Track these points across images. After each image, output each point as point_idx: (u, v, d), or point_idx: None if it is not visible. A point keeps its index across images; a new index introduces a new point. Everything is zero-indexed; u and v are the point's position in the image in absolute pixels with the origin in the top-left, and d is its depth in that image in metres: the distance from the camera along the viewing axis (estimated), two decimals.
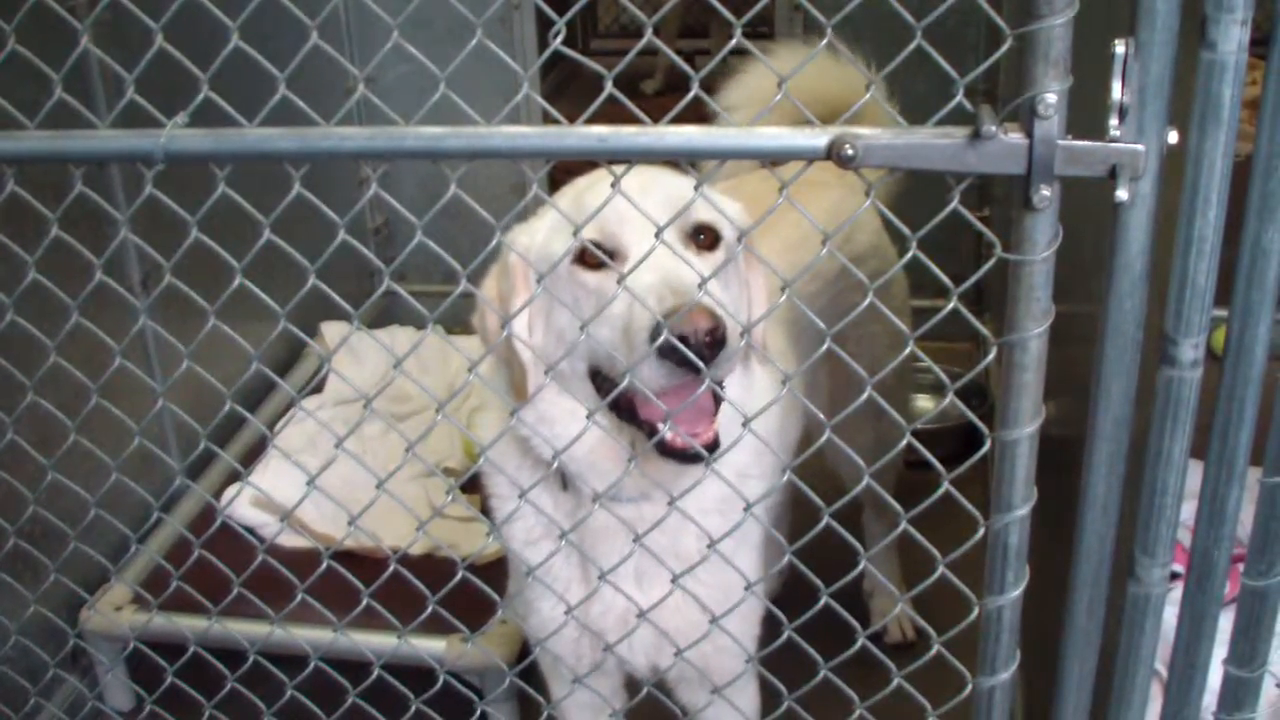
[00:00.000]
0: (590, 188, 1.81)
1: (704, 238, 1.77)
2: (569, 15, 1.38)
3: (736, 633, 1.86)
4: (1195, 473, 1.36)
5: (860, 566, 1.62)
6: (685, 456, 1.67)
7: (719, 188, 2.66)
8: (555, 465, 1.80)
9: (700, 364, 1.52)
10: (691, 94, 1.31)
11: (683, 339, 1.53)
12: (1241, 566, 1.42)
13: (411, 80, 4.00)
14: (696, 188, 1.43)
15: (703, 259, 1.73)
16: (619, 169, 1.43)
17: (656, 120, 1.29)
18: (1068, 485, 1.47)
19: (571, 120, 1.33)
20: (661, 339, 1.53)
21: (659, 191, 1.70)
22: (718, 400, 1.70)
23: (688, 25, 7.15)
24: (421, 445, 1.83)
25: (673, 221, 1.55)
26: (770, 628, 1.99)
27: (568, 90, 6.30)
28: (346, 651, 2.15)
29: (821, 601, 1.63)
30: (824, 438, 1.53)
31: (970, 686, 1.54)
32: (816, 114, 1.31)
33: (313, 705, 2.09)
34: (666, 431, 1.65)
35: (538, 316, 1.82)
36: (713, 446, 1.67)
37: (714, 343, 1.55)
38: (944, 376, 1.47)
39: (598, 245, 1.65)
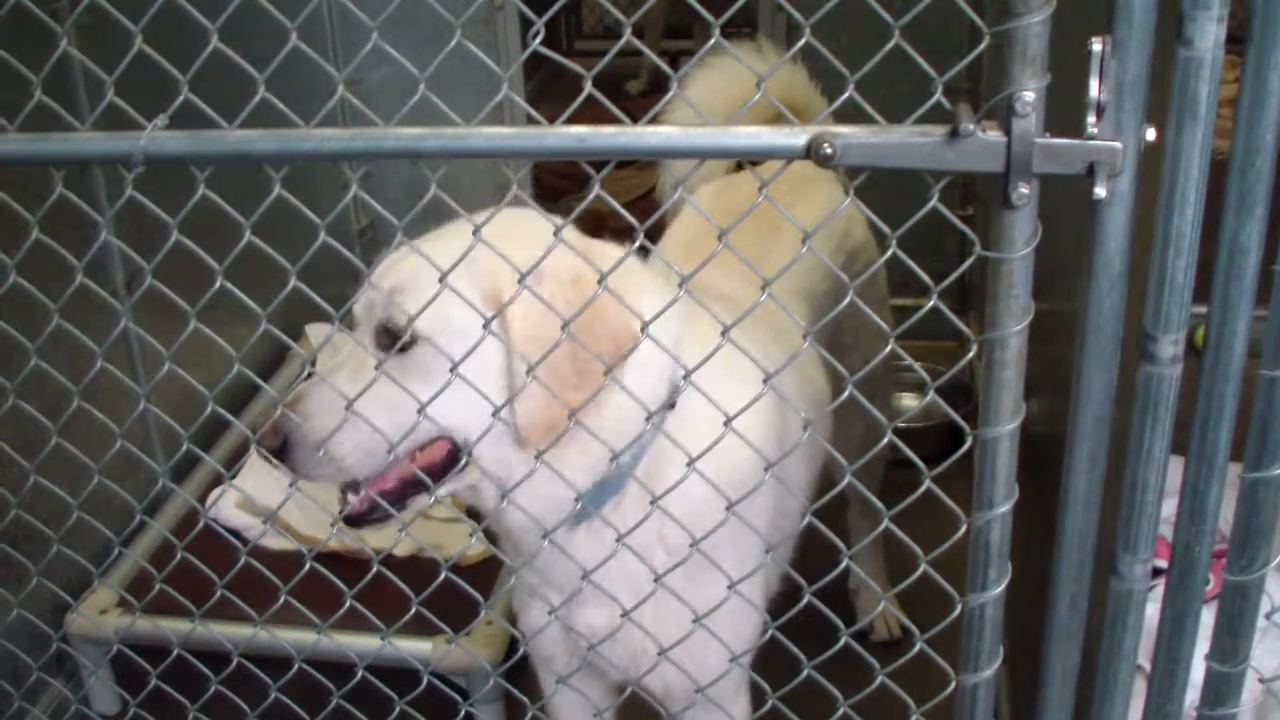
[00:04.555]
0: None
1: (389, 335, 1.76)
2: (547, 16, 1.39)
3: (718, 659, 1.84)
4: (1176, 469, 1.37)
5: (843, 564, 1.62)
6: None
7: (710, 187, 2.68)
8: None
9: (276, 461, 1.76)
10: (671, 93, 1.31)
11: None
12: (1223, 562, 1.43)
13: (396, 82, 4.00)
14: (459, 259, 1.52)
15: (391, 362, 1.71)
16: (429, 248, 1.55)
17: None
18: (1049, 482, 1.47)
19: (554, 120, 1.33)
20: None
21: (376, 281, 1.81)
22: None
23: (672, 26, 7.16)
24: None
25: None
26: None
27: (554, 90, 6.30)
28: (330, 653, 2.14)
29: (805, 599, 1.63)
30: (805, 435, 1.54)
31: (954, 684, 1.55)
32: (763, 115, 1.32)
33: (296, 707, 2.09)
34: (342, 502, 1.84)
35: None
36: (360, 519, 1.83)
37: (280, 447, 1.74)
38: (925, 375, 1.47)
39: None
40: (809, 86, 2.80)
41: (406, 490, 1.80)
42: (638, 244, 1.53)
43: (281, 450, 1.74)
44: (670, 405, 1.77)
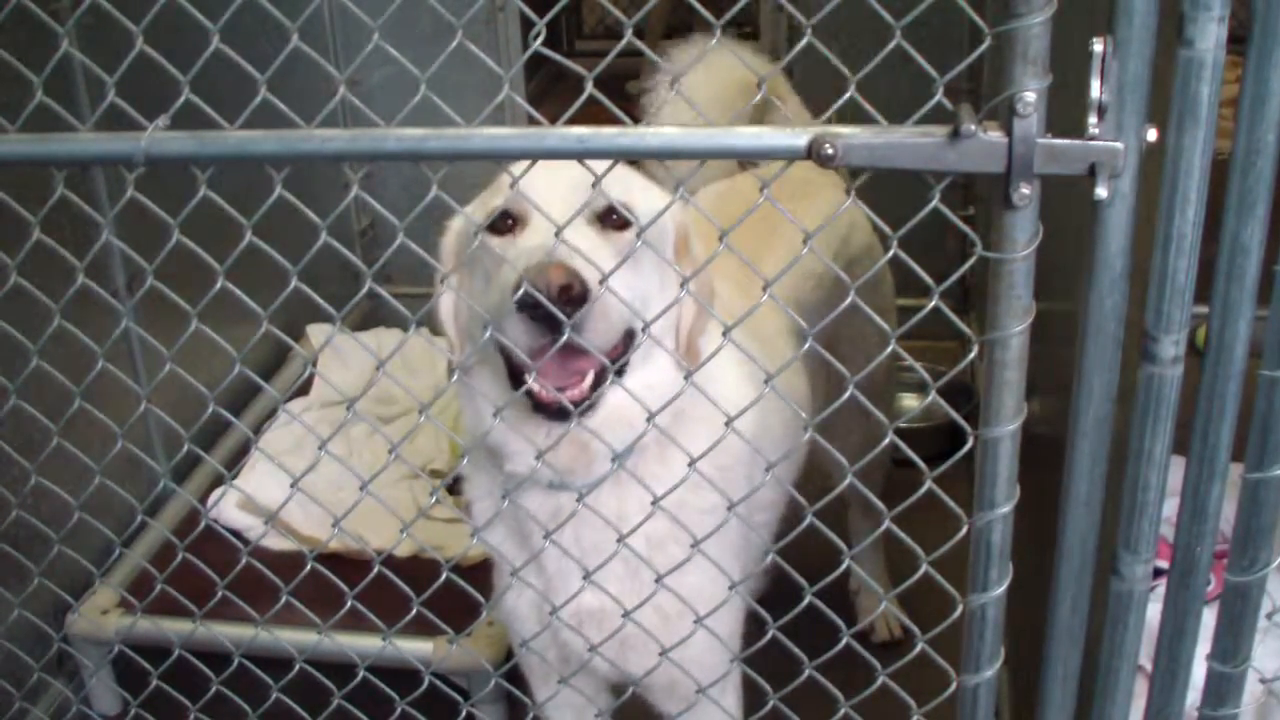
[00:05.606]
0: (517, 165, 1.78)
1: (615, 218, 1.74)
2: (548, 17, 1.39)
3: (702, 647, 1.82)
4: (1177, 469, 1.37)
5: (844, 565, 1.62)
6: (554, 413, 1.67)
7: (712, 188, 2.68)
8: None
9: (558, 314, 1.53)
10: (671, 93, 1.31)
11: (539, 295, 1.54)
12: (1225, 562, 1.43)
13: (398, 82, 3.99)
14: (595, 181, 1.46)
15: (606, 237, 1.72)
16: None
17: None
18: (1051, 483, 1.47)
19: (555, 121, 1.33)
20: (520, 292, 1.54)
21: (574, 170, 1.62)
22: (610, 373, 1.69)
23: (673, 26, 7.15)
24: (409, 447, 1.83)
25: (580, 207, 1.57)
26: (755, 626, 1.99)
27: (555, 91, 6.30)
28: (331, 653, 2.14)
29: (806, 600, 1.63)
30: (806, 435, 1.54)
31: (955, 684, 1.55)
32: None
33: (298, 707, 2.09)
34: (533, 383, 1.65)
35: (463, 296, 1.82)
36: (583, 405, 1.67)
37: (571, 299, 1.55)
38: (926, 375, 1.47)
39: (506, 214, 1.70)
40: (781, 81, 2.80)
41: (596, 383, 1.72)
42: (639, 243, 1.53)
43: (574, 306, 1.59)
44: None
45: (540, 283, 1.53)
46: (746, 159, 1.34)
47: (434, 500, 1.94)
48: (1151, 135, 1.19)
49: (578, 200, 1.57)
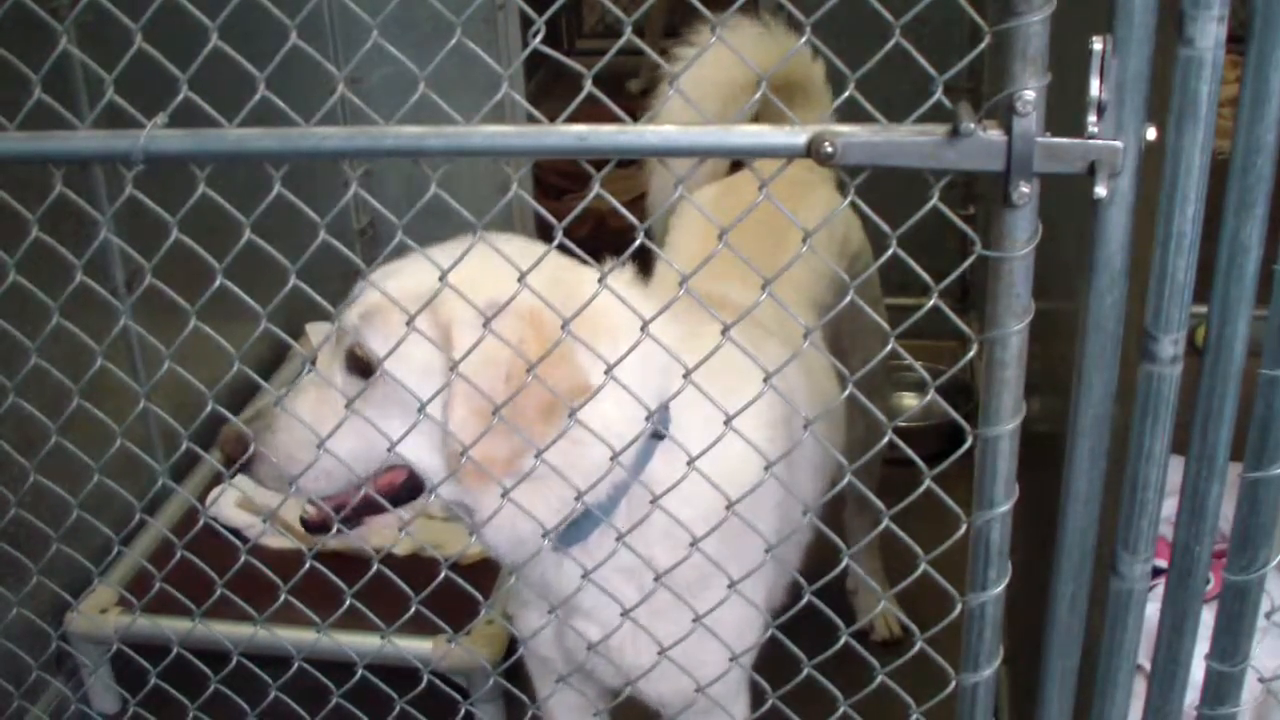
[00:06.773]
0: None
1: (356, 361, 1.78)
2: (547, 14, 1.38)
3: (716, 670, 1.83)
4: (1176, 468, 1.37)
5: (843, 564, 1.62)
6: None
7: (711, 189, 2.68)
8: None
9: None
10: (671, 93, 1.31)
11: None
12: (1224, 561, 1.43)
13: (398, 80, 3.99)
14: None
15: (352, 381, 1.77)
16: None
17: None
18: (1050, 482, 1.47)
19: (555, 119, 1.33)
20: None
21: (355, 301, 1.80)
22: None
23: (673, 25, 7.15)
24: None
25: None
26: None
27: (556, 89, 6.29)
28: (330, 652, 2.14)
29: (805, 599, 1.63)
30: (805, 435, 1.54)
31: (954, 683, 1.55)
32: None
33: (296, 706, 2.08)
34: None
35: None
36: (320, 527, 1.87)
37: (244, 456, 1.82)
38: (925, 374, 1.47)
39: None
40: (806, 59, 2.73)
41: (365, 509, 1.84)
42: (631, 251, 1.53)
43: (247, 461, 1.81)
44: (660, 435, 1.76)
45: (223, 446, 1.87)
46: (745, 157, 1.33)
47: (431, 498, 1.93)
48: (1151, 134, 1.18)
49: (344, 335, 1.78)
